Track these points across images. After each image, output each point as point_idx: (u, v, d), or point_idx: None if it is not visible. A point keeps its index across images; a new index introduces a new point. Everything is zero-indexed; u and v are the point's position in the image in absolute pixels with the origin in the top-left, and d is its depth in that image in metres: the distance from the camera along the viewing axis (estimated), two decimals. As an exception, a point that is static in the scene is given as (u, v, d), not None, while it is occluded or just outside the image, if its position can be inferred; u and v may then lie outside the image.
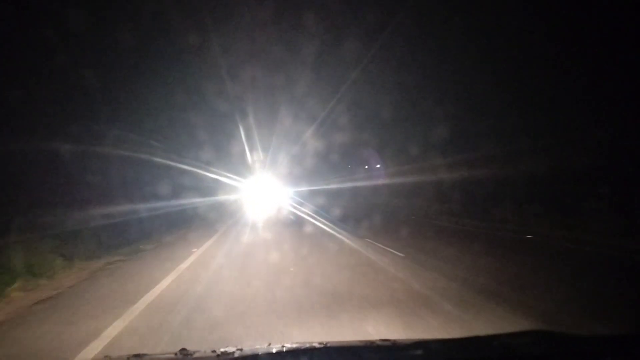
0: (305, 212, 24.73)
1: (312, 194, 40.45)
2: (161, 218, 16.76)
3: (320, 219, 19.89)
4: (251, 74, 31.36)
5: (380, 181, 36.91)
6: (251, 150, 36.22)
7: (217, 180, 29.55)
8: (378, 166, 39.92)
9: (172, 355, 1.99)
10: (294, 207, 30.28)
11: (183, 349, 2.04)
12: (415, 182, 29.38)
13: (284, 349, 2.05)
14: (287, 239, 13.66)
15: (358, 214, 23.78)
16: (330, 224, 17.33)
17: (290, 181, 42.36)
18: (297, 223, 19.58)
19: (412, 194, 30.32)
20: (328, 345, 2.11)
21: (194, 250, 10.96)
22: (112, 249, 10.75)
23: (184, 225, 18.13)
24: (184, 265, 8.80)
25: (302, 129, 36.48)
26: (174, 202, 19.55)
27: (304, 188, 41.56)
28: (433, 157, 26.36)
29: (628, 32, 15.16)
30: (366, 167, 43.90)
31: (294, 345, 2.11)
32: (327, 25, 27.01)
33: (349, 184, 42.30)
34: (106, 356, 2.16)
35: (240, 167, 35.89)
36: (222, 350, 2.00)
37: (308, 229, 16.94)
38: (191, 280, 7.36)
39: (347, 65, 30.09)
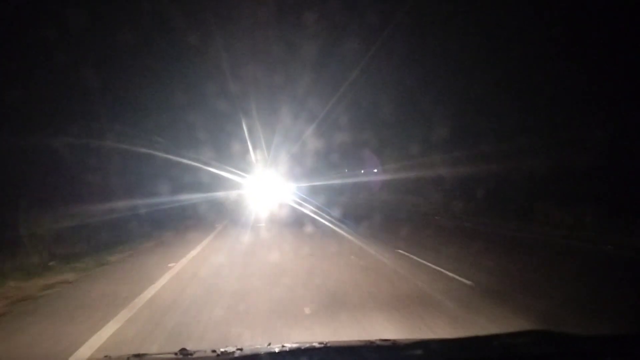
0: (312, 210, 22.99)
1: (316, 190, 40.09)
2: (158, 215, 16.45)
3: (331, 219, 17.44)
4: (255, 73, 31.73)
5: (386, 176, 35.16)
6: (254, 147, 36.51)
7: (220, 176, 29.67)
8: (376, 168, 39.61)
9: (173, 355, 1.99)
10: (299, 204, 28.31)
11: (183, 349, 2.04)
12: (428, 177, 27.11)
13: (284, 349, 2.05)
14: (295, 248, 10.76)
15: (372, 214, 21.33)
16: (344, 227, 14.73)
17: (293, 177, 42.35)
18: (304, 224, 16.39)
19: (426, 190, 28.04)
20: (328, 345, 2.11)
21: (172, 265, 8.44)
22: (70, 260, 8.81)
23: (178, 223, 16.85)
24: (148, 294, 6.21)
25: (303, 127, 36.75)
26: (176, 198, 19.37)
27: (306, 184, 41.41)
28: (450, 150, 24.33)
29: (628, 32, 15.15)
30: (369, 162, 43.30)
31: (294, 345, 2.11)
32: (330, 24, 27.13)
33: (352, 180, 41.29)
34: (106, 356, 2.16)
35: (243, 164, 36.24)
36: (222, 350, 2.00)
37: (318, 233, 13.98)
38: (143, 334, 4.58)
39: (348, 63, 30.25)
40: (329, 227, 15.57)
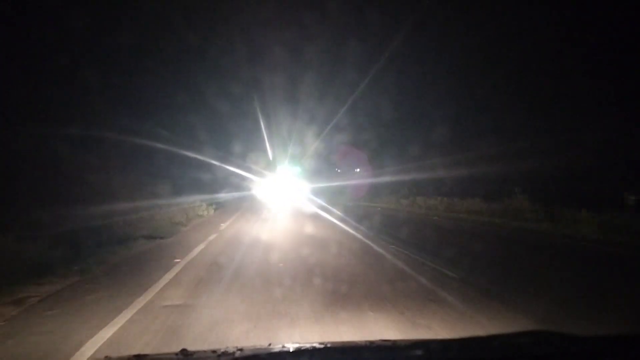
0: (341, 218, 17.58)
1: (335, 191, 37.80)
2: (137, 226, 13.29)
3: (392, 245, 10.52)
4: (273, 74, 32.20)
5: (417, 175, 28.95)
6: (272, 147, 36.74)
7: (229, 176, 29.57)
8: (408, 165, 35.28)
9: (173, 356, 2.00)
10: (322, 208, 21.85)
11: (184, 349, 2.05)
12: (476, 176, 21.51)
13: (284, 349, 2.05)
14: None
15: (466, 241, 13.09)
16: (453, 286, 6.72)
17: (309, 177, 40.43)
18: (338, 250, 10.09)
19: (487, 191, 20.63)
20: (328, 345, 2.11)
21: None
22: None
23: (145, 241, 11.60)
24: None
25: (321, 127, 37.07)
26: (177, 200, 18.99)
27: (323, 184, 39.24)
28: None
29: (629, 32, 15.14)
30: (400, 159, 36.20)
31: (294, 345, 2.11)
32: (347, 29, 27.67)
33: (378, 179, 35.49)
34: (106, 357, 2.16)
35: (256, 164, 36.24)
36: (222, 350, 2.00)
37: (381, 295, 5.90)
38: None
39: (365, 66, 30.55)
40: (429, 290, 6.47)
